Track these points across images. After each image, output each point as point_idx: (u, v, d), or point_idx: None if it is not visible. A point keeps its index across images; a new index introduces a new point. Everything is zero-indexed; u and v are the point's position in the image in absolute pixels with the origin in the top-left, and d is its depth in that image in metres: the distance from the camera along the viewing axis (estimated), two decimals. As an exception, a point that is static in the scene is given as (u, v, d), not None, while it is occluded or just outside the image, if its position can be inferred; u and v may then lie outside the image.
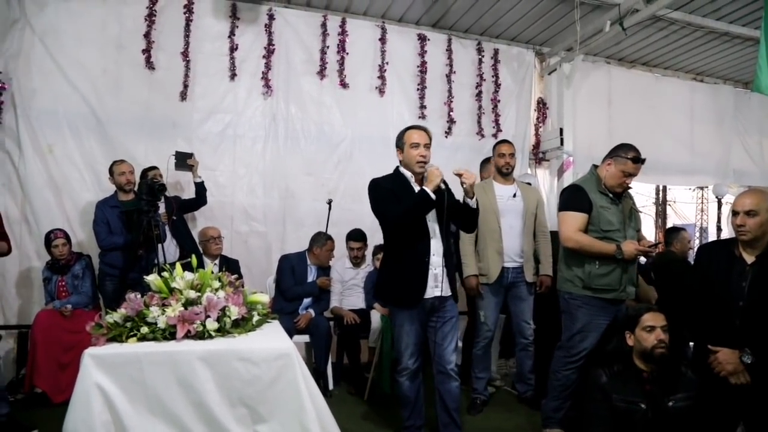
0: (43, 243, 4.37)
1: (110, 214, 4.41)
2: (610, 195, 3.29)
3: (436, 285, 3.10)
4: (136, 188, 4.48)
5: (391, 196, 3.10)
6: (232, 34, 5.40)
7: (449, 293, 3.16)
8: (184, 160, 4.82)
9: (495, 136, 6.14)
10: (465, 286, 4.03)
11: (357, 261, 4.91)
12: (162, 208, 4.56)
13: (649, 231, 16.74)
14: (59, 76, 4.91)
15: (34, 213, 4.81)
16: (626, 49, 6.55)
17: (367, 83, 5.86)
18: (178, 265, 2.70)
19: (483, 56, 6.29)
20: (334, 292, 4.82)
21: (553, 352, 3.49)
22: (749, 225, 2.65)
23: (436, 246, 3.11)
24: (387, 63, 5.88)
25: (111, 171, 4.54)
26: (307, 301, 4.68)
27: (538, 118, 6.60)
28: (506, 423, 3.87)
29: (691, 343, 3.07)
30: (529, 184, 4.56)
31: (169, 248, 4.52)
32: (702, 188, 17.39)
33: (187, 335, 2.42)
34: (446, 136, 6.06)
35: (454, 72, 6.15)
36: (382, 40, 5.88)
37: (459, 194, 3.14)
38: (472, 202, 3.07)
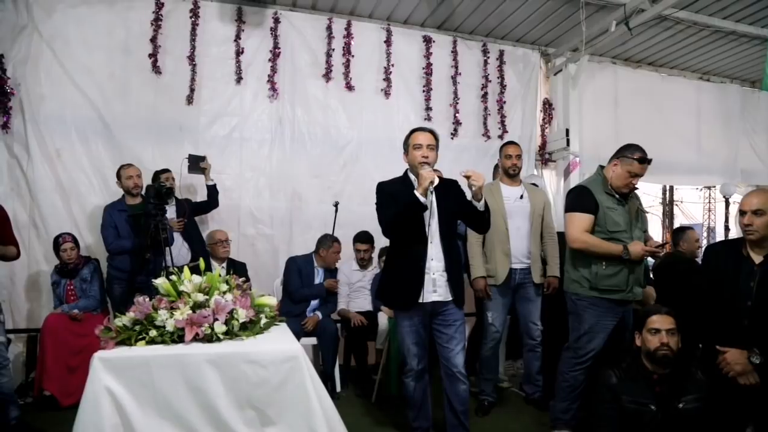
0: (52, 247, 4.40)
1: (118, 217, 4.43)
2: (617, 196, 3.28)
3: (435, 290, 3.07)
4: (143, 192, 4.50)
5: (390, 200, 3.11)
6: (237, 37, 5.42)
7: (449, 298, 3.10)
8: (196, 163, 4.86)
9: (501, 137, 6.14)
10: (473, 288, 4.03)
11: (364, 263, 4.92)
12: (173, 212, 4.60)
13: (656, 231, 16.67)
14: (67, 81, 4.95)
15: (42, 217, 4.84)
16: (632, 49, 6.54)
17: (373, 85, 5.87)
18: (186, 269, 2.71)
19: (488, 57, 6.29)
20: (341, 294, 4.82)
21: (561, 353, 3.48)
22: (757, 224, 2.63)
23: (435, 251, 3.08)
24: (392, 65, 5.89)
25: (118, 175, 4.56)
26: (314, 303, 4.68)
27: (544, 119, 6.59)
28: (514, 424, 3.87)
29: (699, 345, 3.05)
30: (536, 185, 4.55)
31: (181, 251, 4.55)
32: (709, 188, 17.28)
33: (196, 338, 2.42)
34: (452, 138, 6.06)
35: (460, 73, 6.15)
36: (388, 42, 5.89)
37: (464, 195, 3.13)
38: (479, 205, 3.01)
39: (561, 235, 3.91)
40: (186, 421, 2.27)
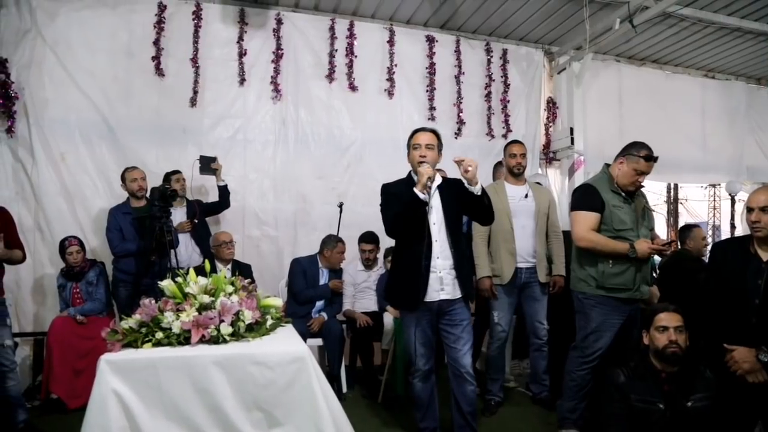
0: (57, 250, 4.41)
1: (123, 220, 4.44)
2: (623, 194, 3.26)
3: (442, 288, 3.07)
4: (148, 194, 4.51)
5: (392, 200, 3.11)
6: (240, 39, 5.43)
7: (458, 296, 3.10)
8: (208, 165, 4.88)
9: (505, 136, 6.13)
10: (479, 288, 4.01)
11: (369, 263, 4.91)
12: (184, 213, 4.61)
13: (660, 230, 16.61)
14: (70, 85, 4.96)
15: (47, 221, 4.85)
16: (636, 46, 6.52)
17: (376, 86, 5.87)
18: (191, 270, 2.71)
19: (492, 57, 6.28)
20: (346, 294, 4.81)
21: (568, 352, 3.47)
22: (765, 221, 2.62)
23: (441, 249, 3.08)
24: (395, 65, 5.89)
25: (123, 178, 4.57)
26: (319, 304, 4.68)
27: (548, 118, 6.58)
28: (521, 424, 3.85)
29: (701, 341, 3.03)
30: (540, 184, 4.54)
31: (192, 254, 4.57)
32: (714, 186, 17.22)
33: (202, 340, 2.42)
34: (456, 137, 6.05)
35: (463, 73, 6.15)
36: (391, 42, 5.89)
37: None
38: (475, 189, 2.96)
39: (566, 234, 3.89)
40: (193, 423, 2.27)
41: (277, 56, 5.53)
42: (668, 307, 2.70)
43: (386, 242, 4.69)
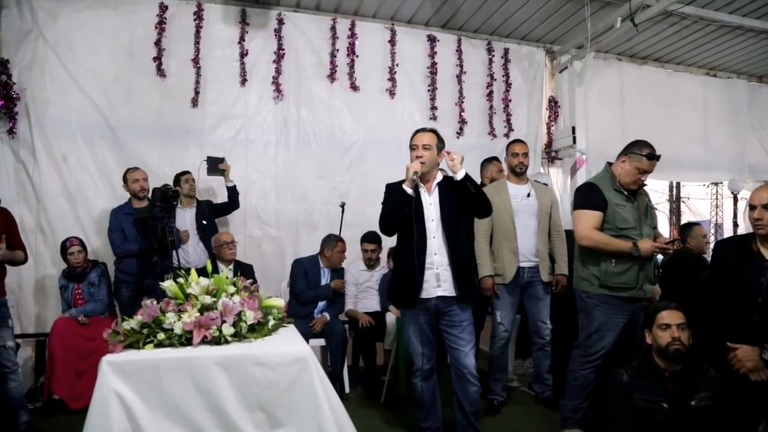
0: (59, 251, 4.41)
1: (125, 221, 4.44)
2: (625, 192, 3.25)
3: (439, 284, 3.09)
4: (150, 195, 4.51)
5: (388, 197, 3.18)
6: (242, 39, 5.43)
7: (454, 294, 3.10)
8: (215, 165, 4.89)
9: (507, 135, 6.13)
10: (481, 287, 4.01)
11: (371, 263, 4.90)
12: (193, 214, 4.62)
13: (662, 228, 16.60)
14: (72, 86, 4.97)
15: (49, 222, 4.86)
16: (638, 45, 6.51)
17: (378, 85, 5.86)
18: (193, 271, 2.71)
19: (493, 56, 6.28)
20: (348, 294, 4.81)
21: (571, 351, 3.46)
22: (767, 219, 2.61)
23: (438, 245, 3.10)
24: (397, 65, 5.88)
25: (125, 178, 4.57)
26: (321, 304, 4.67)
27: (549, 117, 6.57)
28: (524, 424, 3.84)
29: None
30: (546, 184, 4.53)
31: (201, 256, 4.59)
32: (716, 184, 17.23)
33: (204, 341, 2.41)
34: (458, 137, 6.04)
35: (465, 72, 6.14)
36: (392, 41, 5.88)
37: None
38: (457, 176, 3.03)
39: (569, 233, 3.88)
40: (195, 424, 2.26)
41: (279, 56, 5.52)
42: (670, 305, 2.69)
43: (389, 242, 4.68)
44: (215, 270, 2.89)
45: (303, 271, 4.68)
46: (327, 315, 4.58)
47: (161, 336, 2.39)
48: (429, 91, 6.01)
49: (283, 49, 5.54)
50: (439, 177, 3.20)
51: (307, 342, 2.91)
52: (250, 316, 2.57)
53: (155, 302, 2.54)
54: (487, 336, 4.47)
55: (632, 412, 2.59)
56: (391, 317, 4.59)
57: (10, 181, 4.82)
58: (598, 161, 5.93)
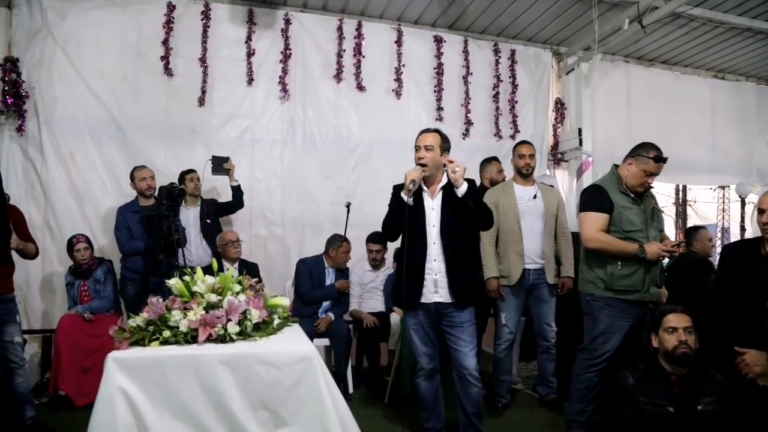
0: (66, 248, 4.43)
1: (131, 219, 4.46)
2: (632, 195, 3.24)
3: (436, 290, 3.10)
4: (156, 193, 4.52)
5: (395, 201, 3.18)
6: (249, 39, 5.44)
7: (451, 300, 3.09)
8: (220, 165, 4.89)
9: (513, 137, 6.12)
10: (486, 288, 4.00)
11: (376, 263, 4.90)
12: (197, 213, 4.65)
13: (669, 232, 16.53)
14: (80, 84, 4.99)
15: (56, 219, 4.88)
16: (645, 47, 6.48)
17: (384, 86, 5.86)
18: (198, 269, 2.71)
19: (500, 57, 6.27)
20: (353, 295, 4.81)
21: (576, 354, 3.45)
22: (776, 223, 2.60)
23: (437, 251, 3.09)
24: (403, 65, 5.88)
25: (132, 176, 4.59)
26: (326, 304, 4.67)
27: (556, 119, 6.56)
28: (528, 426, 3.83)
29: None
30: (552, 186, 4.52)
31: (204, 255, 4.58)
32: (723, 188, 17.14)
33: (209, 339, 2.42)
34: (464, 138, 6.04)
35: (471, 73, 6.13)
36: (399, 42, 5.88)
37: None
38: (459, 191, 2.99)
39: (575, 235, 3.87)
40: (199, 422, 2.27)
41: (285, 56, 5.53)
42: (676, 308, 2.68)
43: (395, 243, 4.68)
44: (220, 269, 2.89)
45: (308, 271, 4.69)
46: (331, 315, 4.59)
47: (167, 333, 2.40)
48: (435, 91, 6.01)
49: (290, 49, 5.55)
50: (444, 180, 3.17)
51: (312, 341, 2.91)
52: (256, 315, 2.57)
53: (161, 300, 2.55)
54: (491, 338, 4.47)
55: (638, 415, 2.57)
56: (395, 318, 4.58)
57: (18, 179, 4.85)
58: (604, 163, 5.93)
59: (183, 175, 4.76)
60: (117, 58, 5.12)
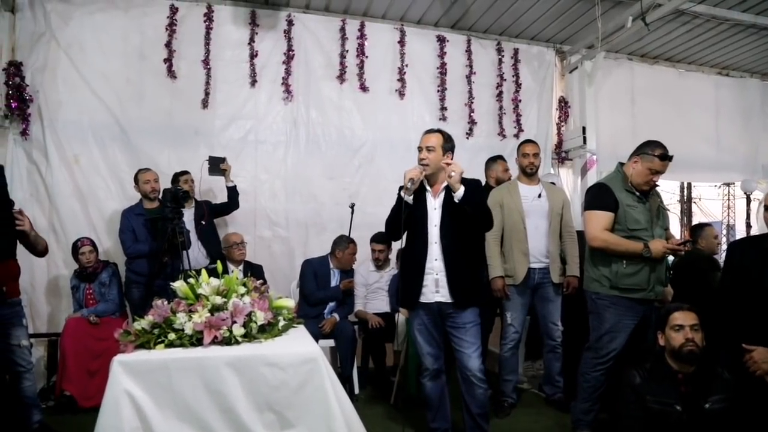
0: (71, 252, 4.44)
1: (135, 222, 4.46)
2: (637, 193, 3.23)
3: (437, 290, 3.09)
4: (160, 196, 4.52)
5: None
6: (251, 40, 5.44)
7: (451, 300, 3.08)
8: (217, 165, 4.90)
9: (517, 136, 6.10)
10: (491, 288, 3.99)
11: (379, 263, 4.88)
12: (191, 214, 4.63)
13: (674, 229, 16.46)
14: (84, 88, 5.01)
15: (61, 222, 4.90)
16: (649, 44, 6.45)
17: (387, 86, 5.86)
18: (203, 271, 2.71)
19: (503, 56, 6.25)
20: (358, 295, 4.80)
21: (581, 353, 3.44)
22: (782, 220, 2.58)
23: (437, 251, 3.09)
24: (406, 65, 5.88)
25: (136, 179, 4.59)
26: (331, 305, 4.67)
27: (560, 117, 6.54)
28: (535, 426, 3.82)
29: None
30: (553, 183, 4.51)
31: (198, 255, 4.56)
32: (728, 185, 17.07)
33: (214, 341, 2.42)
34: (467, 138, 6.02)
35: (474, 73, 6.12)
36: (401, 42, 5.88)
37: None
38: (456, 195, 2.98)
39: (580, 234, 3.86)
40: (205, 424, 2.27)
41: (288, 57, 5.54)
42: (683, 306, 2.67)
43: (398, 243, 4.68)
44: (225, 271, 2.89)
45: (313, 272, 4.69)
46: (337, 316, 4.58)
47: (172, 336, 2.40)
48: (438, 91, 6.00)
49: (293, 50, 5.55)
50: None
51: (317, 342, 2.91)
52: (261, 317, 2.57)
53: (166, 302, 2.55)
54: (497, 337, 4.46)
55: (645, 414, 2.56)
56: (401, 318, 4.57)
57: (23, 182, 4.86)
58: (608, 161, 5.91)
59: (176, 177, 4.75)
60: (120, 61, 5.14)
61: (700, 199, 19.16)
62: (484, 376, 3.15)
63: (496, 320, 4.60)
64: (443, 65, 6.01)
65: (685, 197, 18.66)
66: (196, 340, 2.41)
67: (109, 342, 3.53)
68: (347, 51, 5.71)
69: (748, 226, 10.20)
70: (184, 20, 5.28)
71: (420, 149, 3.14)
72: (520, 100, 6.28)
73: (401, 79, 5.86)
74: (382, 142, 5.78)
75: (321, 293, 4.64)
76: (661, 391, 2.55)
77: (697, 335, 2.56)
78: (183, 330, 2.42)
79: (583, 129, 6.21)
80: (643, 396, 2.57)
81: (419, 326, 3.20)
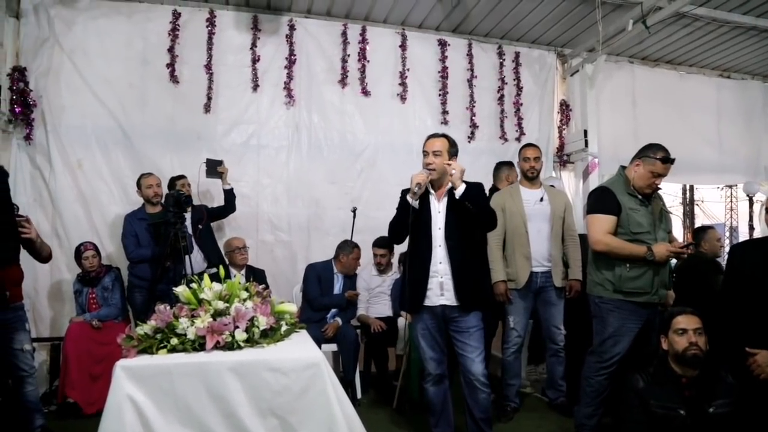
0: (73, 256, 4.45)
1: (138, 226, 4.47)
2: (639, 196, 3.23)
3: (442, 293, 3.09)
4: (163, 200, 4.53)
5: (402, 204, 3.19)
6: (253, 45, 5.46)
7: (456, 303, 3.09)
8: (214, 168, 4.91)
9: (518, 139, 6.11)
10: (494, 292, 3.98)
11: (381, 268, 4.89)
12: (188, 218, 4.61)
13: (676, 232, 16.44)
14: (87, 93, 5.03)
15: (64, 227, 4.91)
16: (650, 47, 6.45)
17: (389, 90, 5.87)
18: (206, 276, 2.71)
19: (504, 60, 6.26)
20: (360, 300, 4.80)
21: (585, 357, 3.43)
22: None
23: (442, 254, 3.10)
24: (408, 69, 5.89)
25: (139, 184, 4.61)
26: (334, 309, 4.67)
27: (561, 121, 6.54)
28: (538, 430, 3.81)
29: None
30: (552, 186, 4.51)
31: (196, 258, 4.55)
32: (731, 187, 17.04)
33: (217, 346, 2.41)
34: (469, 141, 6.03)
35: (476, 76, 6.13)
36: (403, 46, 5.89)
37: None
38: (457, 192, 3.02)
39: (583, 238, 3.86)
40: (208, 430, 2.26)
41: (290, 62, 5.55)
42: (686, 310, 2.67)
43: (401, 246, 4.68)
44: (227, 275, 2.89)
45: (316, 277, 4.69)
46: (339, 320, 4.58)
47: (174, 341, 2.39)
48: (440, 95, 6.01)
49: (295, 55, 5.56)
50: (451, 184, 3.17)
51: (319, 347, 2.91)
52: (263, 322, 2.57)
53: (168, 307, 2.55)
54: (499, 341, 4.46)
55: (649, 419, 2.55)
56: (403, 322, 4.57)
57: (26, 187, 4.88)
58: (610, 164, 5.91)
59: (173, 181, 4.76)
60: (123, 66, 5.16)
61: (702, 201, 19.14)
62: (487, 380, 3.15)
63: (499, 324, 4.60)
64: (445, 69, 6.01)
65: (688, 200, 18.64)
66: (198, 345, 2.41)
67: (112, 346, 3.53)
68: (349, 55, 5.72)
69: (751, 228, 10.18)
70: (186, 25, 5.30)
71: (426, 153, 3.14)
72: (521, 104, 6.28)
73: (403, 83, 5.87)
74: (383, 146, 5.79)
75: (325, 300, 4.64)
76: (665, 396, 2.55)
77: (701, 339, 2.56)
78: (185, 335, 2.41)
79: (585, 132, 6.21)
80: (647, 400, 2.57)
81: (423, 330, 3.19)
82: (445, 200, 3.15)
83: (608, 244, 3.18)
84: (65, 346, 4.16)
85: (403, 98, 5.87)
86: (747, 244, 3.12)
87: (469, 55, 6.13)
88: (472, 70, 6.13)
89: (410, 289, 3.16)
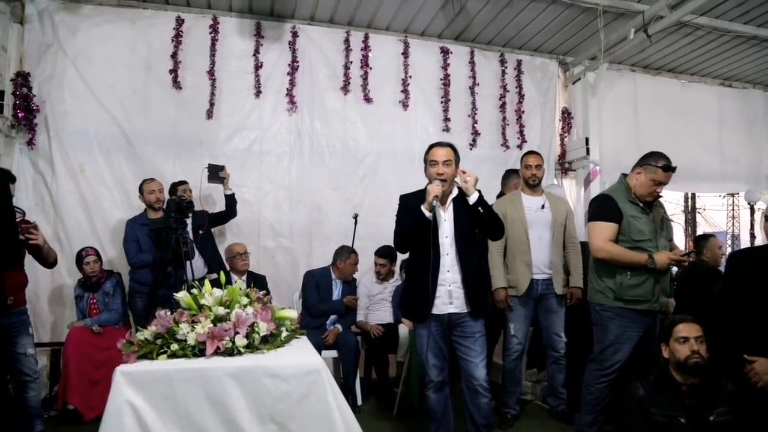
0: (75, 261, 4.46)
1: (140, 231, 4.48)
2: (641, 204, 3.23)
3: (451, 302, 3.09)
4: (165, 206, 4.54)
5: (405, 213, 3.16)
6: (256, 52, 5.48)
7: (466, 310, 3.10)
8: (216, 173, 4.92)
9: (520, 147, 6.12)
10: (494, 299, 3.98)
11: (381, 276, 4.88)
12: (190, 223, 4.62)
13: (678, 240, 16.41)
14: (90, 98, 5.05)
15: (66, 232, 4.92)
16: (651, 56, 6.47)
17: (391, 97, 5.89)
18: (207, 282, 2.72)
19: (506, 67, 6.28)
20: (360, 306, 4.80)
21: (585, 365, 3.42)
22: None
23: (451, 262, 3.10)
24: (410, 77, 5.91)
25: (141, 189, 4.62)
26: (334, 316, 4.67)
27: (563, 128, 6.55)
28: (538, 438, 3.81)
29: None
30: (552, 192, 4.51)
31: (197, 263, 4.55)
32: (733, 195, 17.01)
33: (217, 352, 2.41)
34: (471, 149, 6.04)
35: (478, 84, 6.15)
36: (405, 54, 5.91)
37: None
38: (470, 199, 3.04)
39: (584, 245, 3.86)
40: (208, 436, 2.26)
41: (293, 68, 5.57)
42: (687, 318, 2.66)
43: (402, 256, 4.68)
44: (228, 281, 2.90)
45: (315, 284, 4.69)
46: (339, 326, 4.58)
47: (175, 347, 2.39)
48: (442, 102, 6.03)
49: (297, 62, 5.59)
50: (455, 192, 3.19)
51: (320, 353, 2.90)
52: (263, 328, 2.57)
53: (169, 313, 2.55)
54: (500, 348, 4.45)
55: (649, 426, 2.54)
56: (403, 329, 4.57)
57: (28, 192, 4.90)
58: (611, 172, 5.91)
59: (174, 187, 4.77)
60: (126, 72, 5.18)
61: (704, 209, 19.09)
62: (489, 386, 3.15)
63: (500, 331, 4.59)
64: (447, 76, 6.03)
65: (689, 207, 18.60)
66: (198, 350, 2.40)
67: (112, 352, 3.52)
68: (351, 62, 5.74)
69: (752, 236, 10.17)
70: (190, 31, 5.33)
71: (434, 163, 3.11)
72: (523, 111, 6.29)
73: (405, 91, 5.89)
74: (385, 153, 5.80)
75: (324, 306, 4.64)
76: (666, 404, 2.54)
77: (702, 347, 2.55)
78: (186, 340, 2.41)
79: (586, 140, 6.22)
80: (647, 408, 2.56)
81: (427, 338, 3.16)
82: (450, 209, 3.15)
83: (609, 251, 3.18)
84: (66, 351, 4.16)
85: (405, 105, 5.89)
86: (746, 252, 3.12)
87: (472, 62, 6.16)
88: (474, 78, 6.15)
89: (416, 298, 3.12)
